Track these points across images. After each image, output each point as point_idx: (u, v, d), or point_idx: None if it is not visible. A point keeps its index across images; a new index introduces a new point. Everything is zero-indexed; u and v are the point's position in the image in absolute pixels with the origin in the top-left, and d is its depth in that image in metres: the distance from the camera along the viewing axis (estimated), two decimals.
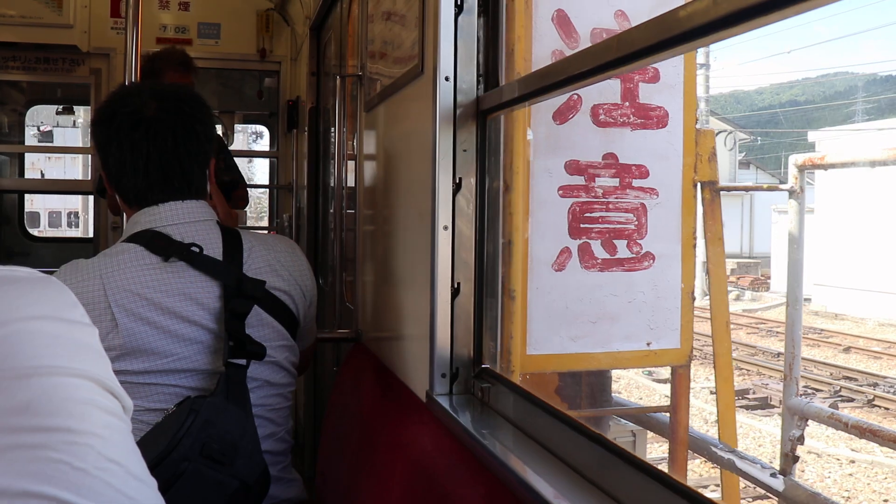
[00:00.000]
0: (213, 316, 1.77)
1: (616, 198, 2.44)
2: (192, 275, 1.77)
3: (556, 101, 2.34)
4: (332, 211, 3.10)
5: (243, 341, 1.77)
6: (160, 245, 1.77)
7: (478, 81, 1.65)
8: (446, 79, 1.64)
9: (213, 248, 1.81)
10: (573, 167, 2.39)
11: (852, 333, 16.09)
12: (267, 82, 5.37)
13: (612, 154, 2.44)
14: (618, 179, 2.44)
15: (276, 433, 1.93)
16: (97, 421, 0.78)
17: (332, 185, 3.16)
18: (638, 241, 2.46)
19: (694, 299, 2.59)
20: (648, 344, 2.51)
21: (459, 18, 1.65)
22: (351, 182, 2.84)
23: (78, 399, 0.77)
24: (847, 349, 14.62)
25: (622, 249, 2.45)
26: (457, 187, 1.64)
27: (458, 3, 1.64)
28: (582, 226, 2.41)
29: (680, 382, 2.82)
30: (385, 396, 2.00)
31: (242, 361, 1.77)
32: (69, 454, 0.73)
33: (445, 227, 1.64)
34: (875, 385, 11.66)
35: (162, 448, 1.57)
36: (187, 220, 1.82)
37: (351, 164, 2.82)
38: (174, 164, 1.83)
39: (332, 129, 3.00)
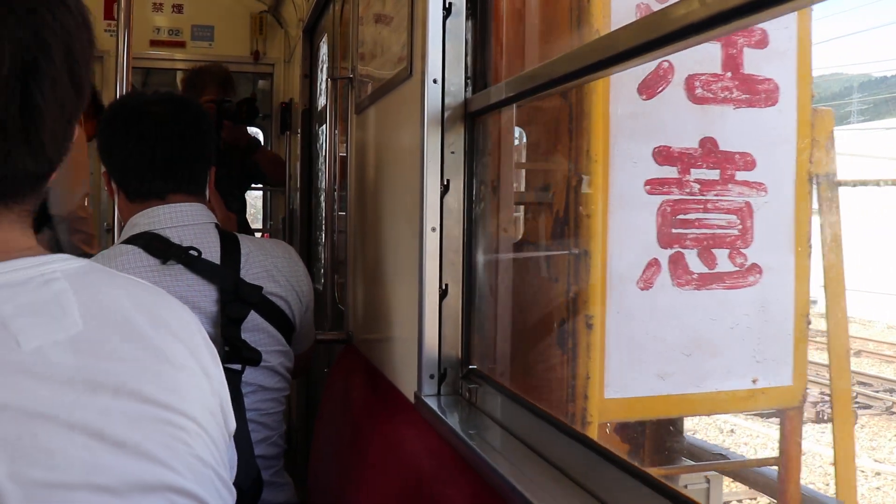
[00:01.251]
0: (210, 320, 1.78)
1: (716, 195, 1.93)
2: (190, 278, 1.77)
3: (643, 69, 1.86)
4: (323, 213, 3.10)
5: (239, 347, 1.77)
6: (159, 248, 1.78)
7: (466, 84, 1.66)
8: (434, 81, 1.64)
9: (212, 251, 1.82)
10: (664, 155, 1.88)
11: (861, 336, 15.92)
12: (260, 84, 5.38)
13: (711, 139, 1.93)
14: (718, 171, 1.93)
15: (269, 437, 1.93)
16: (216, 426, 0.88)
17: (323, 186, 3.17)
18: (742, 249, 1.95)
19: (809, 323, 2.10)
20: (754, 381, 1.99)
21: (448, 21, 1.65)
22: (342, 184, 2.84)
23: (208, 405, 0.87)
24: (857, 353, 14.44)
25: (723, 261, 1.94)
26: (445, 189, 1.65)
27: (447, 5, 1.65)
28: (674, 231, 1.89)
29: (791, 428, 2.23)
30: (375, 398, 2.01)
31: (237, 367, 1.78)
32: (197, 445, 0.83)
33: (433, 229, 1.65)
34: (893, 391, 11.44)
35: None
36: (186, 222, 1.83)
37: (342, 165, 2.83)
38: (179, 158, 1.86)
39: (324, 131, 3.01)
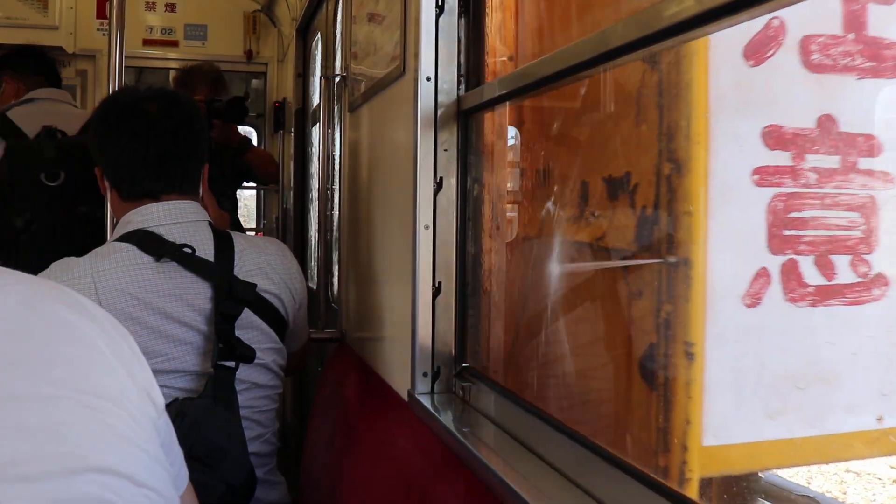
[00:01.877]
0: (204, 317, 1.78)
1: (835, 187, 1.52)
2: (184, 276, 1.77)
3: (749, 27, 1.43)
4: (316, 211, 3.10)
5: (233, 344, 1.78)
6: (152, 245, 1.78)
7: (458, 81, 1.66)
8: (427, 79, 1.64)
9: (205, 249, 1.82)
10: (775, 136, 1.46)
11: None
12: (254, 83, 5.36)
13: (830, 116, 1.51)
14: (838, 157, 1.51)
15: (262, 435, 1.93)
16: (136, 405, 0.86)
17: (316, 185, 3.17)
18: (865, 256, 1.53)
19: None
20: (879, 419, 1.56)
21: (440, 19, 1.65)
22: (336, 182, 2.84)
23: (123, 383, 0.86)
24: None
25: (843, 270, 1.52)
26: (438, 187, 1.65)
27: (439, 3, 1.65)
28: (786, 233, 1.48)
29: None
30: (368, 396, 2.01)
31: (231, 364, 1.78)
32: (118, 424, 0.81)
33: (426, 227, 1.65)
34: None
35: None
36: (180, 220, 1.83)
37: (335, 164, 2.82)
38: (172, 156, 1.86)
39: (317, 130, 3.01)
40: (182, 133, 1.87)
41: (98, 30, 4.76)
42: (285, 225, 4.52)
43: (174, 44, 4.93)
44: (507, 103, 1.63)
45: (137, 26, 4.83)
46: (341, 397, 2.23)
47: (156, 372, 1.70)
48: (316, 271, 3.09)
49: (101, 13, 4.76)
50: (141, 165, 1.83)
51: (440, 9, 1.65)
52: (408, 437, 1.62)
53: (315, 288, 2.98)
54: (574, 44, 1.19)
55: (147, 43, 4.89)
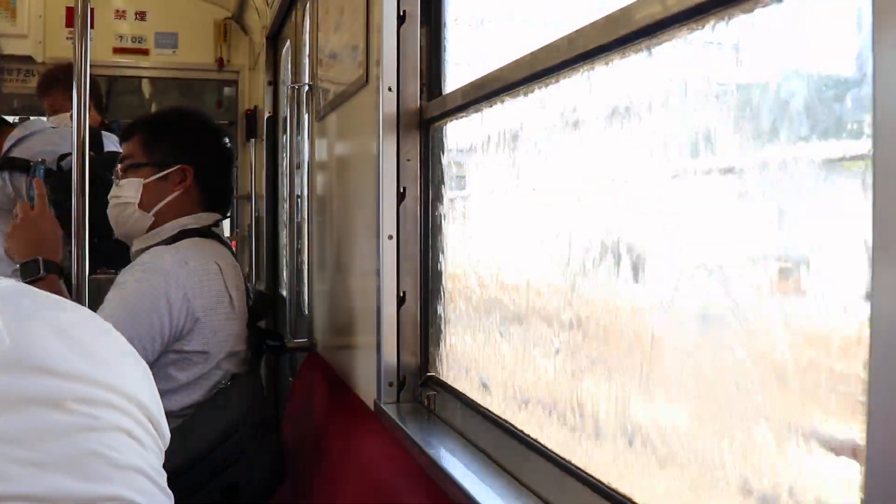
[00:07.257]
0: (246, 307, 2.09)
1: None
2: (237, 267, 2.10)
3: None
4: (286, 220, 3.09)
5: (260, 334, 2.18)
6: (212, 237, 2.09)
7: (421, 91, 1.66)
8: (389, 89, 1.64)
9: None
10: None
11: None
12: (226, 92, 5.34)
13: None
14: None
15: None
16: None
17: (285, 194, 3.16)
18: None
19: None
20: None
21: (402, 29, 1.65)
22: (304, 191, 2.83)
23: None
24: None
25: None
26: (401, 196, 1.65)
27: (401, 13, 1.65)
28: None
29: None
30: (336, 406, 2.00)
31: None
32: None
33: (390, 237, 1.65)
34: None
35: (238, 413, 1.88)
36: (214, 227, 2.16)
37: (304, 173, 2.82)
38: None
39: (286, 139, 3.00)
40: None
41: (67, 38, 4.72)
42: (258, 233, 4.50)
43: (145, 52, 4.89)
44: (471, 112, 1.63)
45: (107, 35, 4.80)
46: (310, 407, 2.22)
47: (227, 355, 1.96)
48: (287, 279, 3.08)
49: (70, 22, 4.72)
50: (232, 193, 2.28)
51: (402, 18, 1.65)
52: (374, 446, 1.61)
53: (286, 296, 2.96)
54: (539, 49, 1.17)
55: (117, 51, 4.85)
